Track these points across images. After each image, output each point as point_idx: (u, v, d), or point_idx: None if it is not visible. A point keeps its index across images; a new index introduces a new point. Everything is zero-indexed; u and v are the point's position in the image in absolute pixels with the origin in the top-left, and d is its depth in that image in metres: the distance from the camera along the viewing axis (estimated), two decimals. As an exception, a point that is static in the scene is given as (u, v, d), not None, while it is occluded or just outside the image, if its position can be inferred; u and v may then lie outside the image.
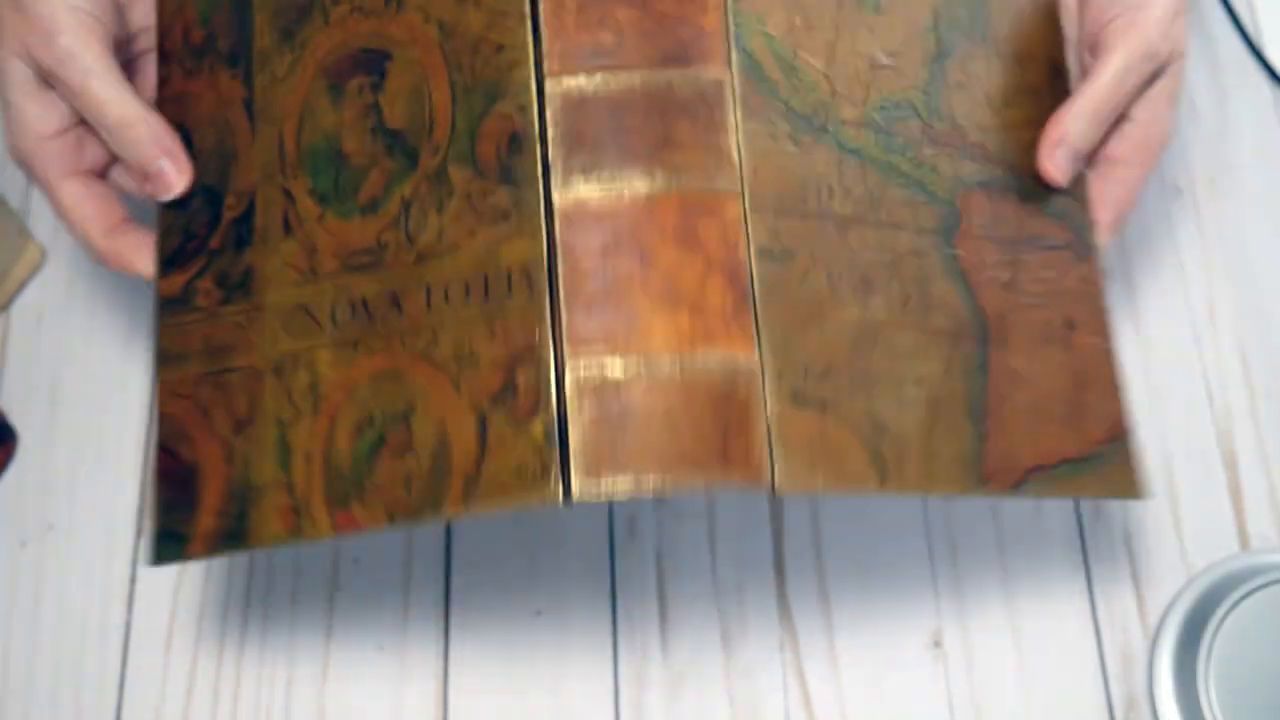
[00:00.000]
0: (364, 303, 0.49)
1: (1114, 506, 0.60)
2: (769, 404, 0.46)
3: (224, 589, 0.57)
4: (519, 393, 0.45)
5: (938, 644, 0.57)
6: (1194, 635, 0.56)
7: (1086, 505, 0.60)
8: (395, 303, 0.49)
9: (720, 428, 0.44)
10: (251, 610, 0.57)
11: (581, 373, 0.45)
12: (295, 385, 0.49)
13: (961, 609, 0.58)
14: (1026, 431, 0.51)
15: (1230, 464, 0.61)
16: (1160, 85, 0.53)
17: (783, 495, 0.46)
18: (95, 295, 0.63)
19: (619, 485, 0.43)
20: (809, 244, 0.49)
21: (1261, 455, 0.61)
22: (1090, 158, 0.54)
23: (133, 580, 0.57)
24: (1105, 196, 0.54)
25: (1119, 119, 0.53)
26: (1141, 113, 0.53)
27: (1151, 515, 0.60)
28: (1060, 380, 0.52)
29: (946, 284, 0.52)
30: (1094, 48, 0.53)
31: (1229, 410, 0.62)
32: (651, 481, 0.44)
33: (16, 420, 0.60)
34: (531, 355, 0.45)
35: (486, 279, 0.48)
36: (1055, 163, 0.52)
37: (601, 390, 0.45)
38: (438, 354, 0.47)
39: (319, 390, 0.48)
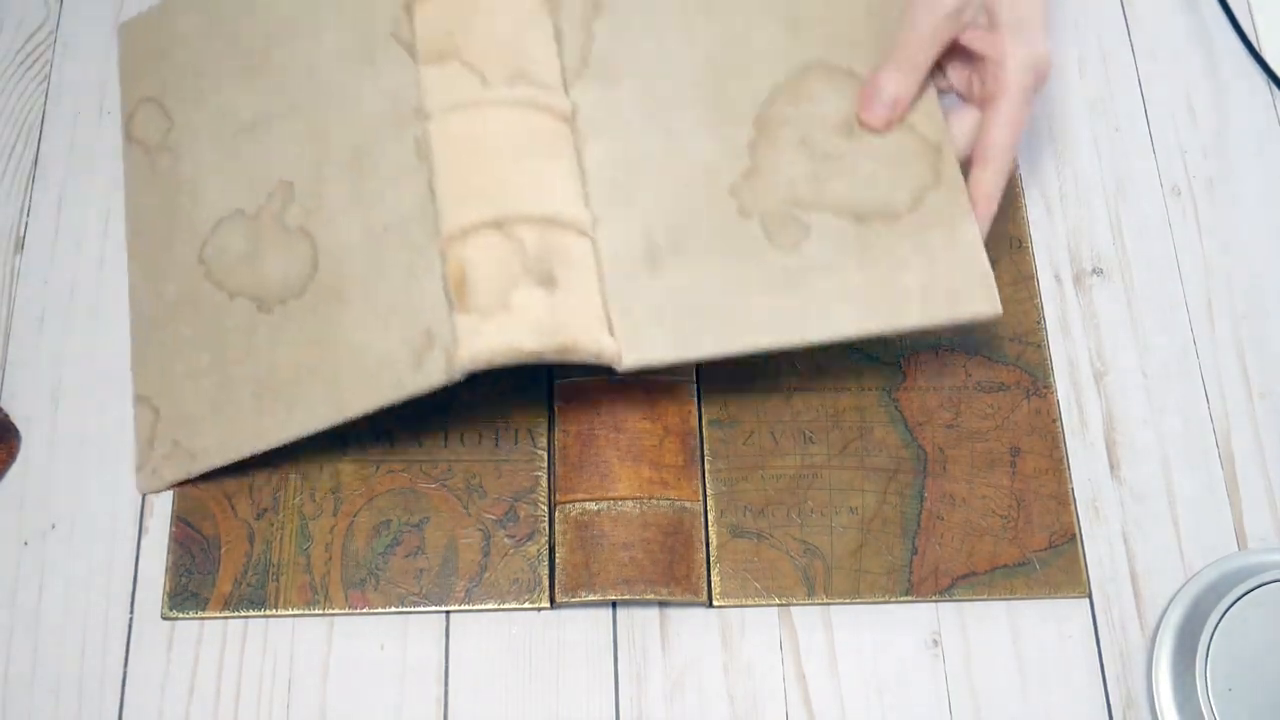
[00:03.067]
0: (389, 433, 0.60)
1: (1113, 505, 0.60)
2: (712, 536, 0.58)
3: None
4: (520, 520, 0.58)
5: (936, 643, 0.58)
6: (1192, 634, 0.56)
7: (1085, 504, 0.60)
8: (416, 438, 0.60)
9: (668, 555, 0.56)
10: (252, 610, 0.57)
11: (568, 511, 0.57)
12: (319, 487, 0.59)
13: (961, 608, 0.58)
14: (960, 545, 0.58)
15: (1228, 463, 0.61)
16: (1001, 18, 0.56)
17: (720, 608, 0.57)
18: (97, 296, 0.63)
19: (589, 598, 0.56)
20: (756, 411, 0.61)
21: (1259, 455, 0.62)
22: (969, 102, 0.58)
23: (134, 579, 0.57)
24: (982, 138, 0.57)
25: (975, 59, 0.57)
26: (990, 49, 0.56)
27: (1150, 514, 0.60)
28: (1000, 500, 0.59)
29: (887, 429, 0.61)
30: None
31: (1226, 410, 0.62)
32: (613, 595, 0.56)
33: (19, 419, 0.60)
34: (531, 495, 0.59)
35: (498, 432, 0.60)
36: (869, 112, 0.57)
37: (581, 524, 0.57)
38: (451, 482, 0.59)
39: (340, 494, 0.59)
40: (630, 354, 0.53)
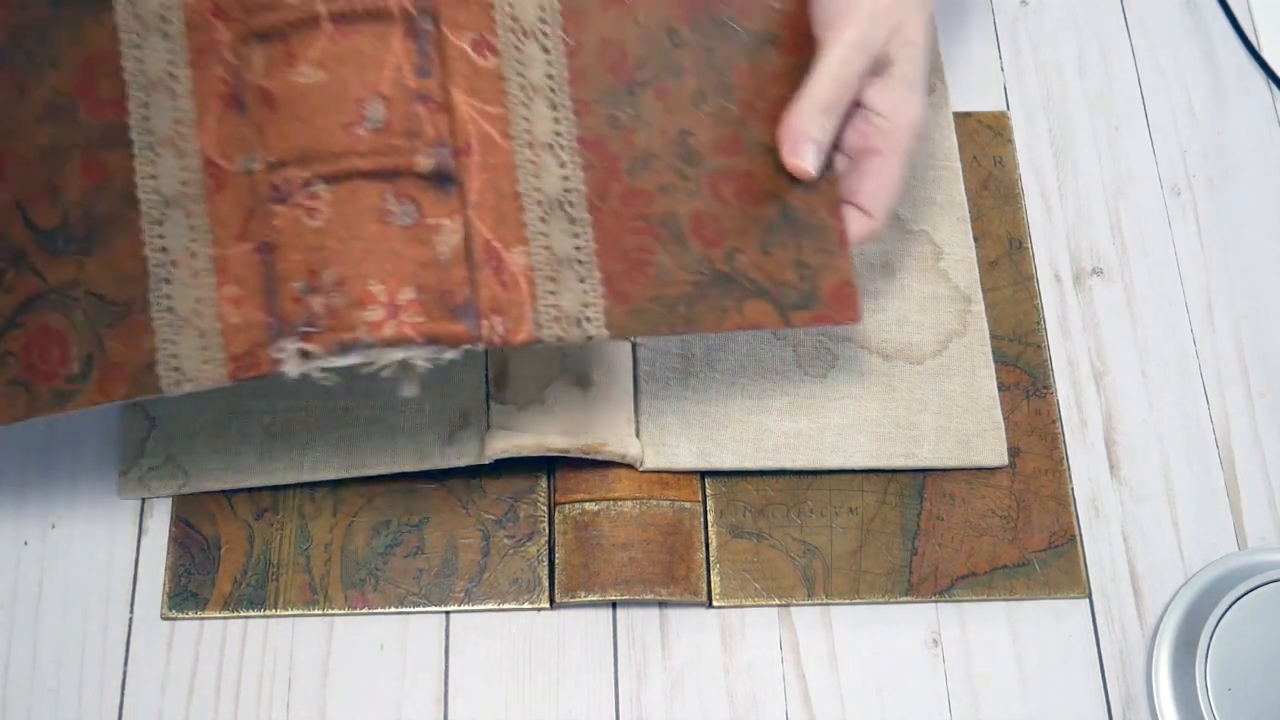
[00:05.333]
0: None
1: (1112, 505, 0.60)
2: (711, 537, 0.58)
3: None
4: (519, 521, 0.58)
5: (936, 643, 0.58)
6: (1192, 634, 0.56)
7: (1085, 504, 0.60)
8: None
9: (668, 555, 0.56)
10: (252, 610, 0.57)
11: (568, 511, 0.57)
12: (319, 487, 0.58)
13: (961, 607, 0.58)
14: (959, 546, 0.59)
15: (1228, 463, 0.61)
16: (895, 72, 0.53)
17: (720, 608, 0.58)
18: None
19: (589, 598, 0.56)
20: None
21: (1259, 455, 0.62)
22: (841, 151, 0.54)
23: (134, 579, 0.57)
24: (862, 189, 0.53)
25: (861, 110, 0.53)
26: (881, 102, 0.53)
27: (1149, 514, 0.60)
28: (1000, 500, 0.59)
29: None
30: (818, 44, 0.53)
31: (1226, 410, 0.62)
32: (613, 595, 0.55)
33: (18, 420, 0.60)
34: (530, 495, 0.58)
35: None
36: (800, 157, 0.52)
37: (581, 524, 0.57)
38: (450, 483, 0.58)
39: (340, 494, 0.58)
40: (653, 458, 0.57)
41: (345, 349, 0.44)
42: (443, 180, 0.46)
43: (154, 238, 0.47)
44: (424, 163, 0.46)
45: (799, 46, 0.53)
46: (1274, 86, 0.70)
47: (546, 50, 0.50)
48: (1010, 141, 0.67)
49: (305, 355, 0.44)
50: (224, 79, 0.47)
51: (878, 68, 0.52)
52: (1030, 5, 0.71)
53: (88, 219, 0.48)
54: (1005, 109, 0.68)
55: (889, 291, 0.62)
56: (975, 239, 0.64)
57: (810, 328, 0.58)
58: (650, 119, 0.52)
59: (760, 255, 0.51)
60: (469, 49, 0.48)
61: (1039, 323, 0.63)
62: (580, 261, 0.49)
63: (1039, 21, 0.71)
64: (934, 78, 0.67)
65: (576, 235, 0.49)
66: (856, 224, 0.53)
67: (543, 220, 0.48)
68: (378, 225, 0.45)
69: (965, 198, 0.64)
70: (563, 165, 0.49)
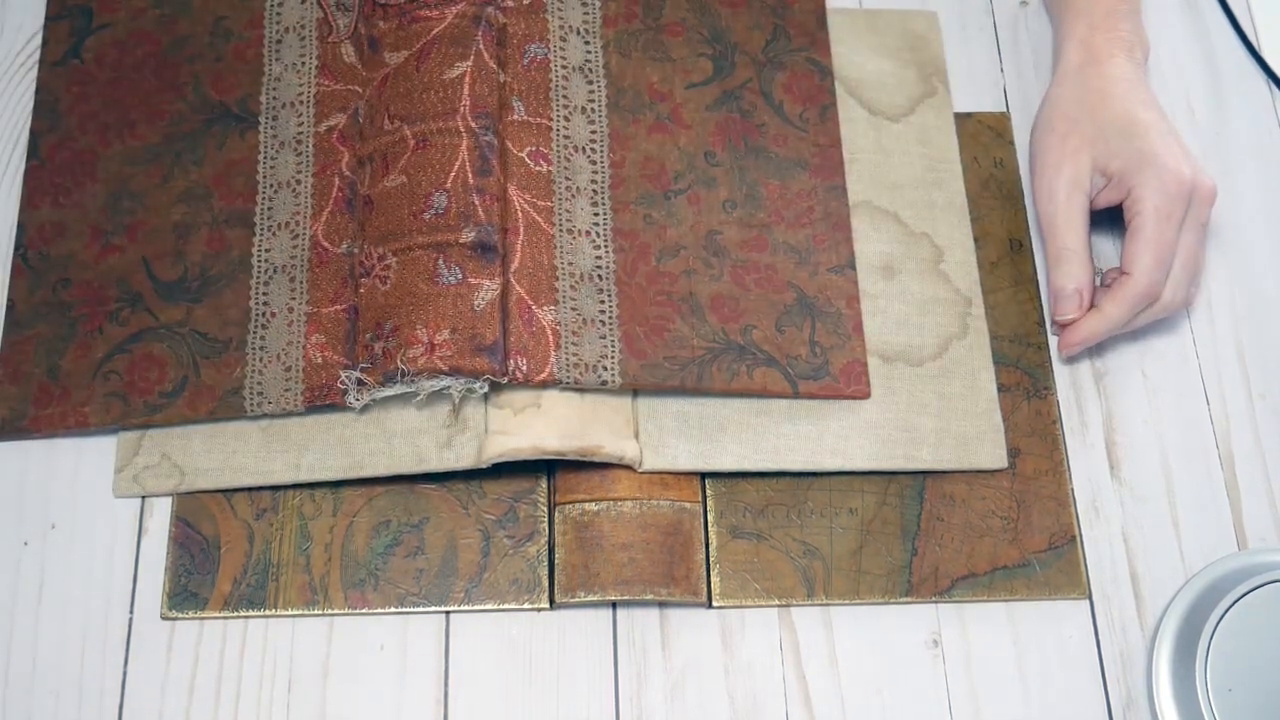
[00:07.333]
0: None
1: (1113, 506, 0.60)
2: (711, 537, 0.58)
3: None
4: (519, 521, 0.58)
5: (936, 643, 0.58)
6: (1192, 634, 0.56)
7: (1085, 505, 0.60)
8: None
9: (668, 555, 0.56)
10: (252, 610, 0.57)
11: (568, 512, 0.57)
12: (319, 487, 0.58)
13: (961, 608, 0.58)
14: (959, 546, 0.59)
15: (1228, 464, 0.61)
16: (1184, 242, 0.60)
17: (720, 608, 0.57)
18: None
19: (589, 598, 0.56)
20: None
21: (1259, 455, 0.62)
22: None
23: (134, 579, 0.57)
24: (1080, 323, 0.60)
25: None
26: (1140, 270, 0.59)
27: (1150, 515, 0.60)
28: (1000, 501, 0.59)
29: None
30: (1127, 220, 0.60)
31: (1226, 411, 0.62)
32: (613, 596, 0.56)
33: (18, 420, 0.60)
34: (531, 496, 0.59)
35: None
36: (1064, 312, 0.60)
37: (581, 524, 0.57)
38: (450, 484, 0.59)
39: (340, 495, 0.59)
40: (652, 460, 0.57)
41: (389, 380, 0.54)
42: (485, 250, 0.56)
43: (259, 294, 0.59)
44: (468, 235, 0.56)
45: (827, 171, 0.63)
46: (1274, 86, 0.70)
47: (594, 163, 0.60)
48: (1011, 142, 0.67)
49: (361, 385, 0.55)
50: (340, 187, 0.60)
51: (1100, 179, 0.61)
52: (1030, 5, 0.71)
53: (203, 276, 0.59)
54: (1005, 110, 0.68)
55: (889, 294, 0.62)
56: (975, 240, 0.64)
57: (818, 399, 0.59)
58: (682, 218, 0.60)
59: (775, 332, 0.58)
60: (526, 158, 0.59)
61: (1039, 323, 0.63)
62: (603, 322, 0.57)
63: (1039, 22, 0.71)
64: (935, 79, 0.67)
65: (603, 302, 0.57)
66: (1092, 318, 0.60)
67: (573, 288, 0.57)
68: (429, 285, 0.55)
69: (966, 200, 0.64)
70: (597, 248, 0.59)
